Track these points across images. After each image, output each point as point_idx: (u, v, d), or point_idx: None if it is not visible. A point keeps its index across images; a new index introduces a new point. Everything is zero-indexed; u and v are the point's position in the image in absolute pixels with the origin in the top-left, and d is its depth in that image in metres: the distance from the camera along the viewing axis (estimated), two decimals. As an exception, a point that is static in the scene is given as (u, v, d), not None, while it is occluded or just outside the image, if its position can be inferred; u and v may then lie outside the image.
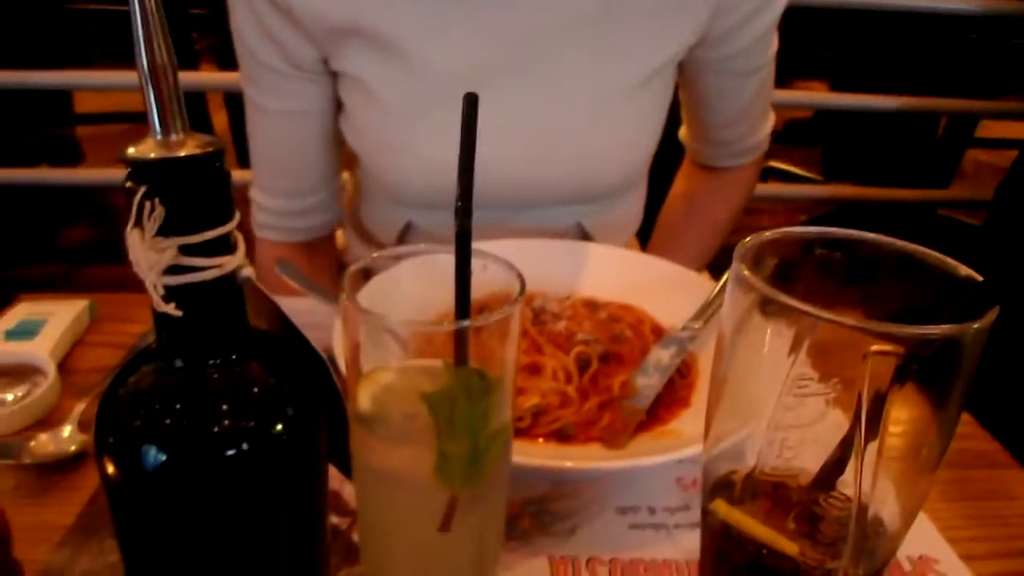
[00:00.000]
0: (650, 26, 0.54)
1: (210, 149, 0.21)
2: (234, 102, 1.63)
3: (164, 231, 0.21)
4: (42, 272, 1.62)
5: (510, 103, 0.55)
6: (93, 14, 2.00)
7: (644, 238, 0.73)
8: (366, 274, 0.28)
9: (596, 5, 0.53)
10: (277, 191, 0.63)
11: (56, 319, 0.52)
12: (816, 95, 2.00)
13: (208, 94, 1.61)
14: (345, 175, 0.68)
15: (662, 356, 0.43)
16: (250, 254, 0.26)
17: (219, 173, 0.22)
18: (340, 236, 0.71)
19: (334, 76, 0.58)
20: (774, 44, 0.62)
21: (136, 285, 0.22)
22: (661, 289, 0.50)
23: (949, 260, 0.27)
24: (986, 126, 2.00)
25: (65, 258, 1.71)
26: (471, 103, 0.27)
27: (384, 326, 0.26)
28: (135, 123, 1.84)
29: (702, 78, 0.62)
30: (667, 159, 0.68)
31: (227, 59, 1.59)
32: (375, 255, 0.28)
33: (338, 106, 0.60)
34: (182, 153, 0.21)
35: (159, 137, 0.22)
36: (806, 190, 1.78)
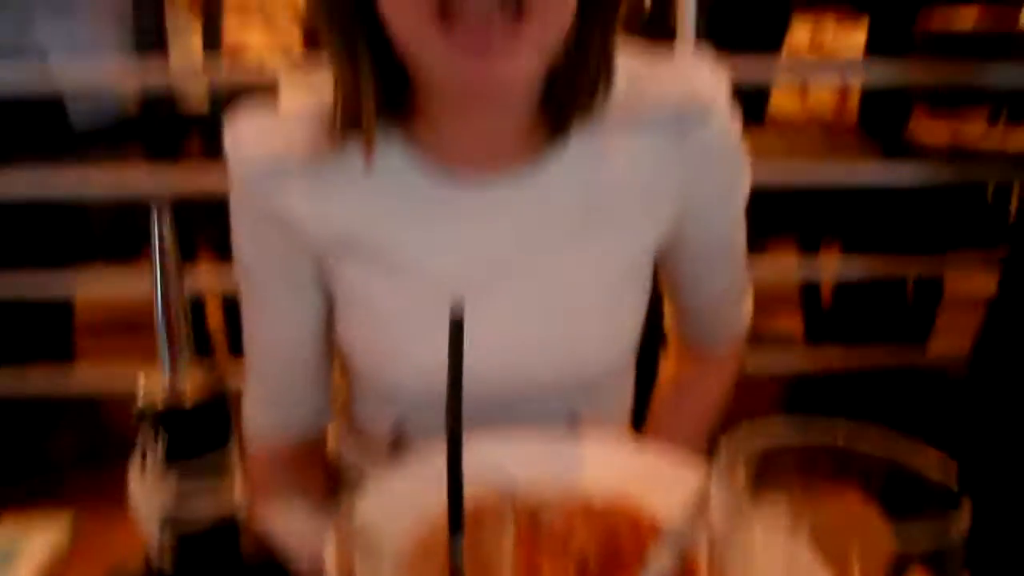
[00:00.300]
0: (629, 223, 0.58)
1: (215, 391, 0.23)
2: (229, 302, 1.66)
3: (167, 458, 0.22)
4: (26, 483, 1.57)
5: (498, 305, 0.57)
6: (99, 213, 2.08)
7: (636, 425, 0.74)
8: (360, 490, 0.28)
9: (579, 206, 0.56)
10: (270, 397, 0.64)
11: (34, 542, 0.51)
12: (785, 264, 2.08)
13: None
14: (336, 375, 0.69)
15: (662, 558, 0.42)
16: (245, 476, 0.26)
17: (221, 411, 0.23)
18: (331, 433, 0.72)
19: (329, 286, 0.60)
20: (743, 231, 0.66)
21: (120, 495, 0.22)
22: (658, 479, 0.50)
23: (927, 456, 0.28)
24: (954, 279, 2.08)
25: (50, 468, 1.67)
26: (456, 323, 0.29)
27: (378, 545, 0.26)
28: (134, 333, 1.86)
29: (677, 266, 0.64)
30: (654, 346, 0.69)
31: (225, 255, 1.64)
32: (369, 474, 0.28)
33: (331, 313, 0.62)
34: (187, 390, 0.23)
35: (167, 374, 0.23)
36: (789, 359, 1.80)
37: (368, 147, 0.51)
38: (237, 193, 0.57)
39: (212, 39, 1.58)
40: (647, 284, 0.63)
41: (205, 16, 1.56)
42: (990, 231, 2.00)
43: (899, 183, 1.38)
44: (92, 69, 1.26)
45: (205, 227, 1.70)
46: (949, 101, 2.54)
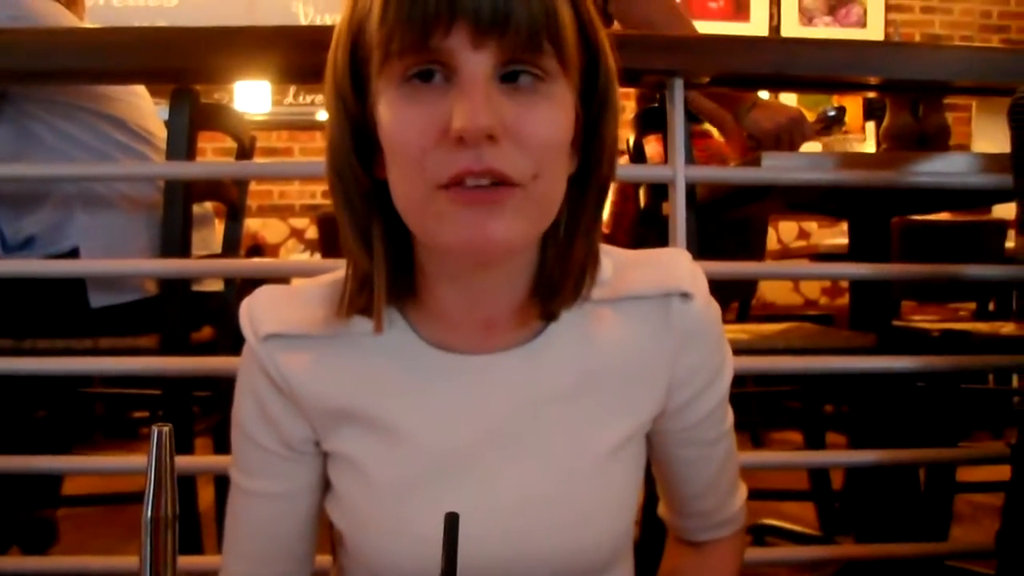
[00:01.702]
0: (619, 398, 0.60)
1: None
2: (222, 480, 1.64)
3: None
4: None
5: (494, 477, 0.57)
6: (104, 397, 2.11)
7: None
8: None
9: (572, 380, 0.59)
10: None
11: None
12: (790, 455, 2.05)
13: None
14: (327, 560, 0.67)
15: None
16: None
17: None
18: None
19: (324, 456, 0.61)
20: (729, 417, 0.67)
21: None
22: None
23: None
24: (967, 469, 2.03)
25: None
26: (452, 522, 0.29)
27: None
28: (119, 504, 1.83)
29: (668, 450, 0.66)
30: (653, 537, 0.68)
31: (223, 440, 1.64)
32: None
33: (325, 486, 0.62)
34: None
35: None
36: (805, 552, 1.73)
37: (377, 321, 0.55)
38: (246, 358, 0.59)
39: (233, 236, 1.69)
40: (640, 464, 0.63)
41: (228, 214, 1.68)
42: (996, 415, 1.99)
43: (894, 371, 1.39)
44: (118, 264, 1.33)
45: (208, 413, 1.71)
46: (937, 294, 2.64)
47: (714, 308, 0.62)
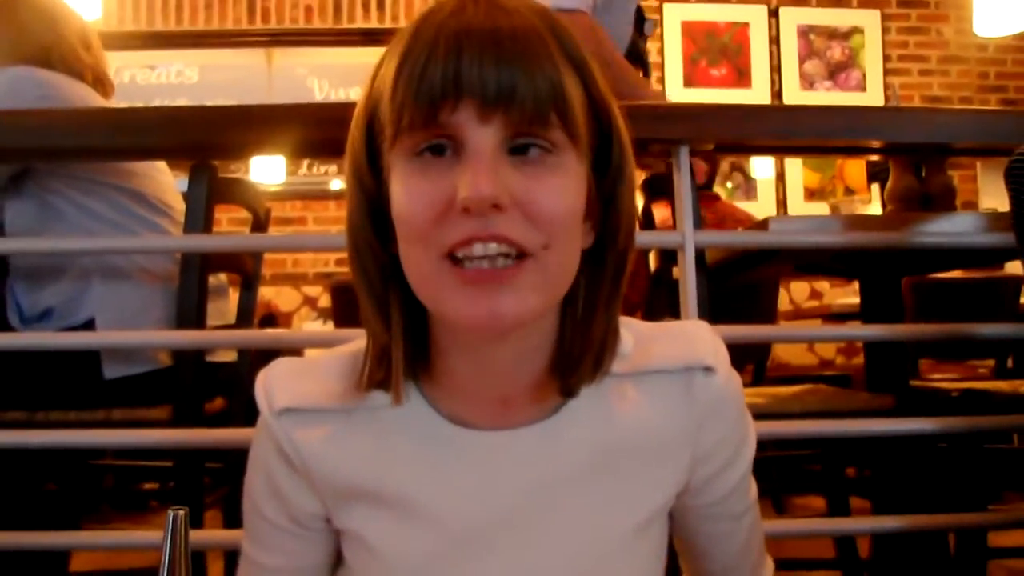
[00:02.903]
0: (641, 476, 0.59)
1: None
2: (232, 555, 1.62)
3: None
4: None
5: (512, 557, 0.56)
6: (114, 469, 2.10)
7: None
8: None
9: (592, 458, 0.57)
10: None
11: None
12: (814, 523, 2.00)
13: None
14: None
15: None
16: None
17: None
18: None
19: (336, 533, 0.60)
20: (754, 489, 0.66)
21: None
22: None
23: None
24: (1000, 533, 1.97)
25: None
26: None
27: None
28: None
29: (692, 526, 0.64)
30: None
31: (233, 513, 1.62)
32: None
33: (337, 562, 0.61)
34: None
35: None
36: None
37: (396, 394, 0.54)
38: (260, 432, 0.59)
39: (247, 305, 1.71)
40: (663, 542, 0.62)
41: (243, 284, 1.70)
42: (1022, 474, 1.94)
43: (915, 433, 1.37)
44: (133, 336, 1.34)
45: (219, 485, 1.70)
46: (955, 352, 2.61)
47: (736, 380, 0.61)
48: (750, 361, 2.49)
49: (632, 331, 0.59)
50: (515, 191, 0.47)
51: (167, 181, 1.56)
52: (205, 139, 1.31)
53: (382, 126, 0.51)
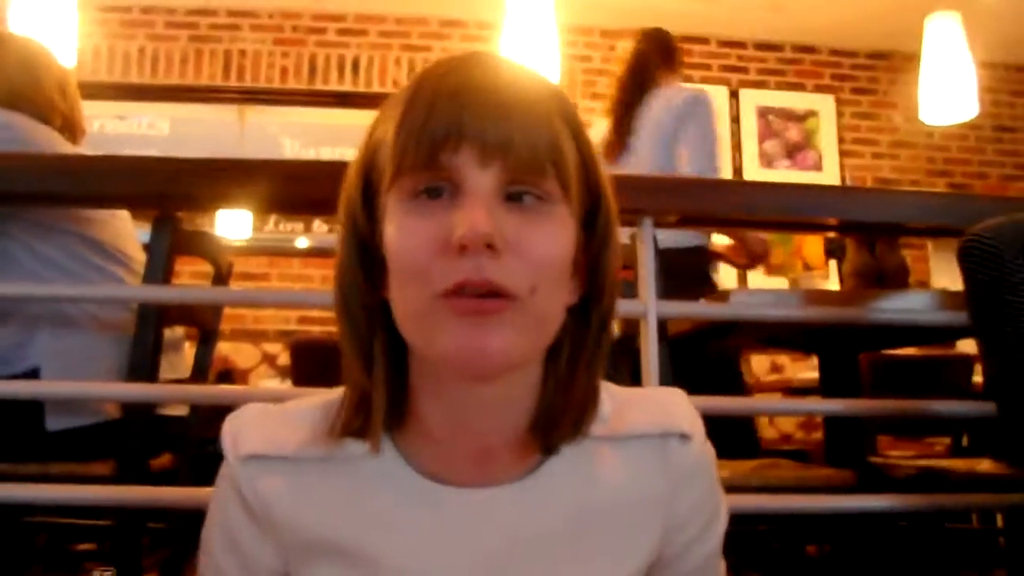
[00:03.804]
0: (616, 540, 0.58)
1: None
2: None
3: None
4: None
5: None
6: (47, 527, 1.98)
7: None
8: None
9: (568, 519, 0.57)
10: None
11: None
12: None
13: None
14: None
15: None
16: None
17: None
18: None
19: None
20: (722, 567, 0.66)
21: None
22: None
23: None
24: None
25: None
26: None
27: None
28: None
29: None
30: None
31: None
32: None
33: None
34: None
35: None
36: None
37: (374, 441, 0.54)
38: (222, 479, 0.58)
39: (203, 360, 1.66)
40: None
41: (201, 338, 1.66)
42: (981, 554, 1.94)
43: (878, 511, 1.37)
44: (80, 387, 1.29)
45: (158, 547, 1.62)
46: (911, 429, 2.64)
47: (710, 451, 0.62)
48: (710, 436, 2.48)
49: (610, 394, 0.59)
50: (509, 234, 0.49)
51: (126, 229, 1.53)
52: (170, 190, 1.29)
53: (380, 172, 0.52)
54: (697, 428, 0.60)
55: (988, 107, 4.05)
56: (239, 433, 0.57)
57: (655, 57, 2.16)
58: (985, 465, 1.64)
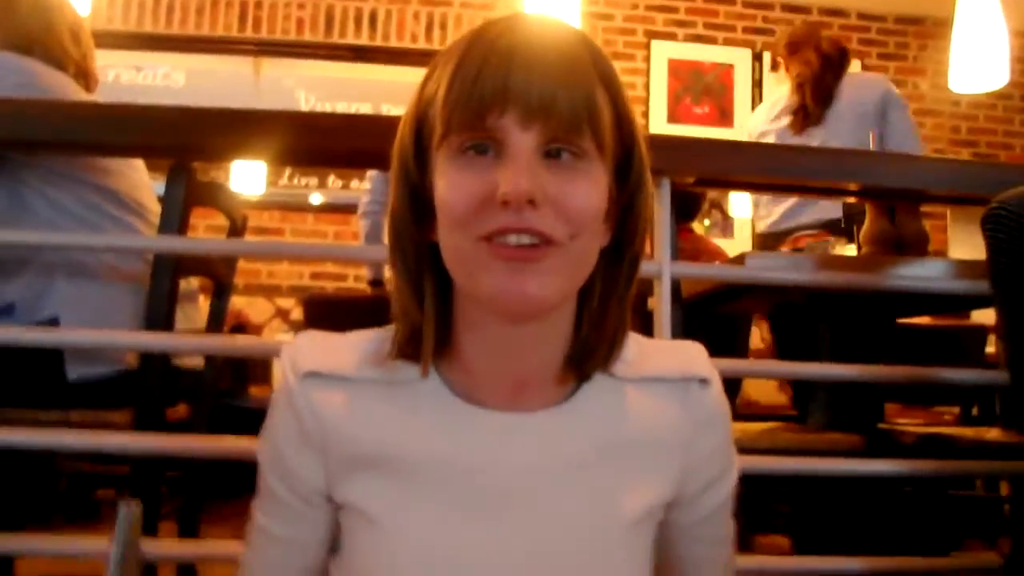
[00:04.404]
0: (639, 472, 0.62)
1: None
2: (185, 571, 1.57)
3: None
4: None
5: (512, 535, 0.58)
6: (69, 474, 2.02)
7: None
8: None
9: (595, 447, 0.61)
10: None
11: None
12: (773, 560, 1.99)
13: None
14: None
15: None
16: None
17: None
18: None
19: (335, 514, 0.62)
20: (731, 525, 0.69)
21: None
22: None
23: None
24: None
25: None
26: None
27: None
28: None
29: (676, 550, 0.67)
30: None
31: (188, 524, 1.58)
32: None
33: (332, 549, 0.63)
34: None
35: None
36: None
37: (424, 366, 0.59)
38: (279, 399, 0.62)
39: (218, 313, 1.68)
40: (651, 552, 0.64)
41: (215, 291, 1.67)
42: (988, 523, 1.95)
43: (885, 475, 1.38)
44: (99, 335, 1.30)
45: (176, 495, 1.65)
46: (921, 398, 2.64)
47: (726, 403, 0.66)
48: (721, 396, 2.49)
49: (635, 340, 0.64)
50: (548, 189, 0.53)
51: (142, 180, 1.53)
52: (186, 139, 1.29)
53: (431, 128, 0.56)
54: (715, 376, 0.65)
55: (1017, 76, 3.95)
56: (298, 354, 0.61)
57: (845, 54, 2.54)
58: (994, 433, 1.64)
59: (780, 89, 2.58)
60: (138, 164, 1.55)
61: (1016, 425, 1.53)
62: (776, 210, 2.49)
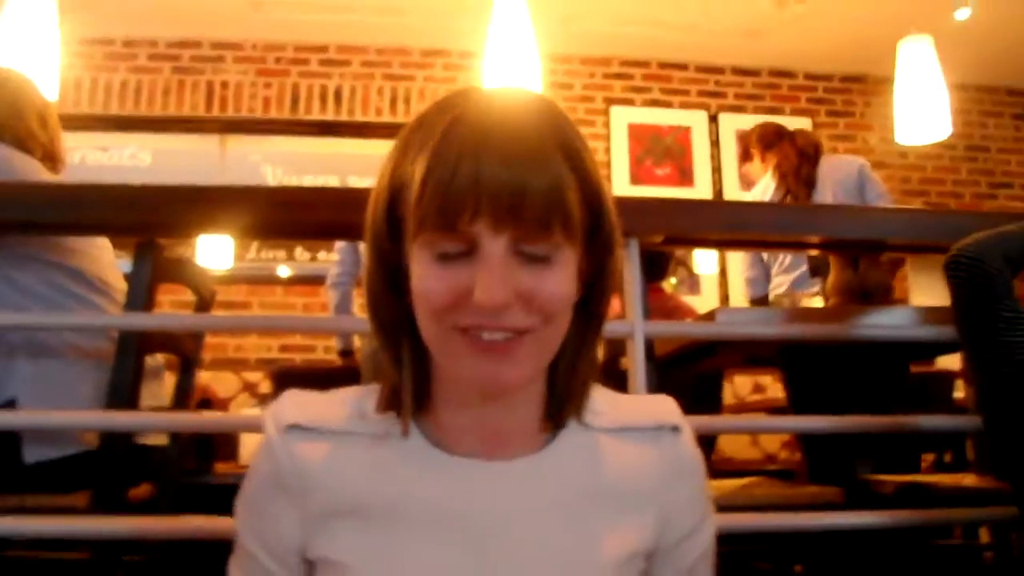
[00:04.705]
0: (618, 518, 0.62)
1: None
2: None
3: None
4: None
5: None
6: (26, 564, 1.92)
7: None
8: None
9: (574, 494, 0.62)
10: None
11: None
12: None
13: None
14: None
15: None
16: None
17: None
18: None
19: (311, 569, 0.62)
20: (711, 570, 0.69)
21: None
22: None
23: None
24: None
25: None
26: None
27: None
28: None
29: None
30: None
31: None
32: None
33: None
34: None
35: None
36: None
37: (404, 426, 0.61)
38: (259, 454, 0.63)
39: (184, 388, 1.64)
40: None
41: (181, 366, 1.64)
42: (967, 571, 1.94)
43: (866, 527, 1.37)
44: (59, 416, 1.26)
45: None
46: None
47: (699, 451, 0.67)
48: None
49: (605, 394, 0.67)
50: (521, 288, 0.55)
51: (107, 259, 1.52)
52: (151, 216, 1.28)
53: (406, 211, 0.57)
54: (687, 426, 0.66)
55: (961, 127, 4.14)
56: (281, 409, 0.63)
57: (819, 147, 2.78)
58: (970, 480, 1.64)
59: (765, 178, 2.77)
60: (104, 243, 1.53)
61: (992, 470, 1.54)
62: (787, 279, 2.61)
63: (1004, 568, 1.87)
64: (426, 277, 0.56)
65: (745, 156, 2.93)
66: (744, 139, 2.96)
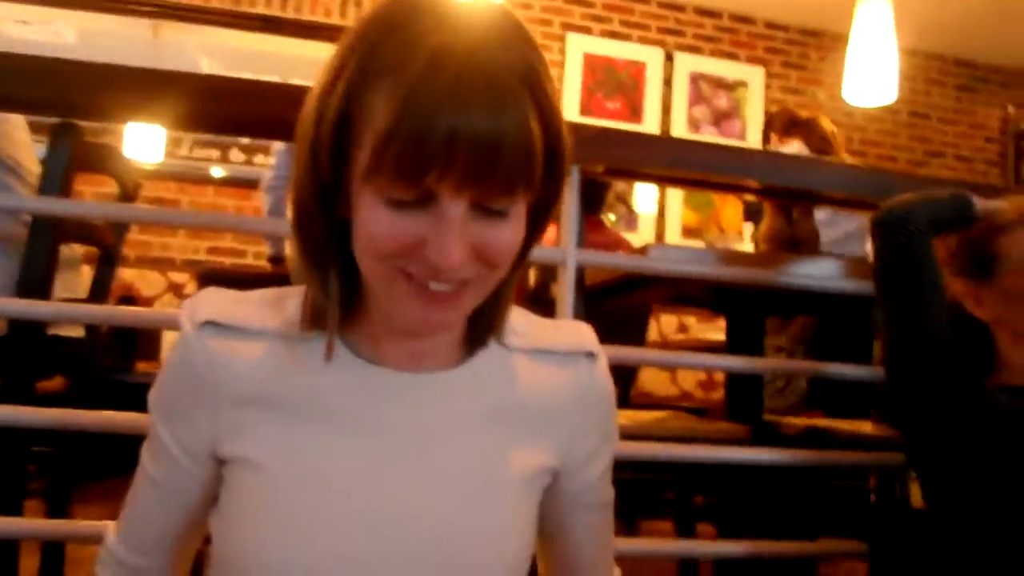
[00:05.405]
0: (529, 434, 0.65)
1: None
2: (50, 548, 1.48)
3: None
4: None
5: (403, 489, 0.59)
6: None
7: None
8: None
9: (488, 408, 0.63)
10: (134, 546, 0.65)
11: None
12: (661, 544, 2.06)
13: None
14: None
15: None
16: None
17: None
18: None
19: (221, 464, 0.61)
20: (611, 491, 0.72)
21: None
22: None
23: None
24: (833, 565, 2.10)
25: None
26: None
27: None
28: None
29: (560, 517, 0.70)
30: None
31: (58, 504, 1.48)
32: None
33: (213, 502, 0.63)
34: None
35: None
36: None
37: (328, 350, 0.59)
38: (175, 349, 0.61)
39: (102, 282, 1.58)
40: (535, 516, 0.66)
41: (101, 259, 1.57)
42: (855, 510, 2.08)
43: (768, 463, 1.44)
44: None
45: (46, 473, 1.55)
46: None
47: (611, 378, 0.70)
48: (616, 385, 2.56)
49: (525, 316, 0.67)
50: (475, 242, 0.53)
51: (20, 137, 1.42)
52: (74, 96, 1.19)
53: (359, 133, 0.53)
54: (602, 354, 0.68)
55: (906, 93, 4.23)
56: (198, 304, 0.61)
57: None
58: (867, 427, 1.75)
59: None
60: (17, 120, 1.43)
61: (888, 418, 1.64)
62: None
63: (884, 509, 2.01)
64: (375, 221, 0.53)
65: (766, 139, 2.86)
66: (768, 123, 2.89)
